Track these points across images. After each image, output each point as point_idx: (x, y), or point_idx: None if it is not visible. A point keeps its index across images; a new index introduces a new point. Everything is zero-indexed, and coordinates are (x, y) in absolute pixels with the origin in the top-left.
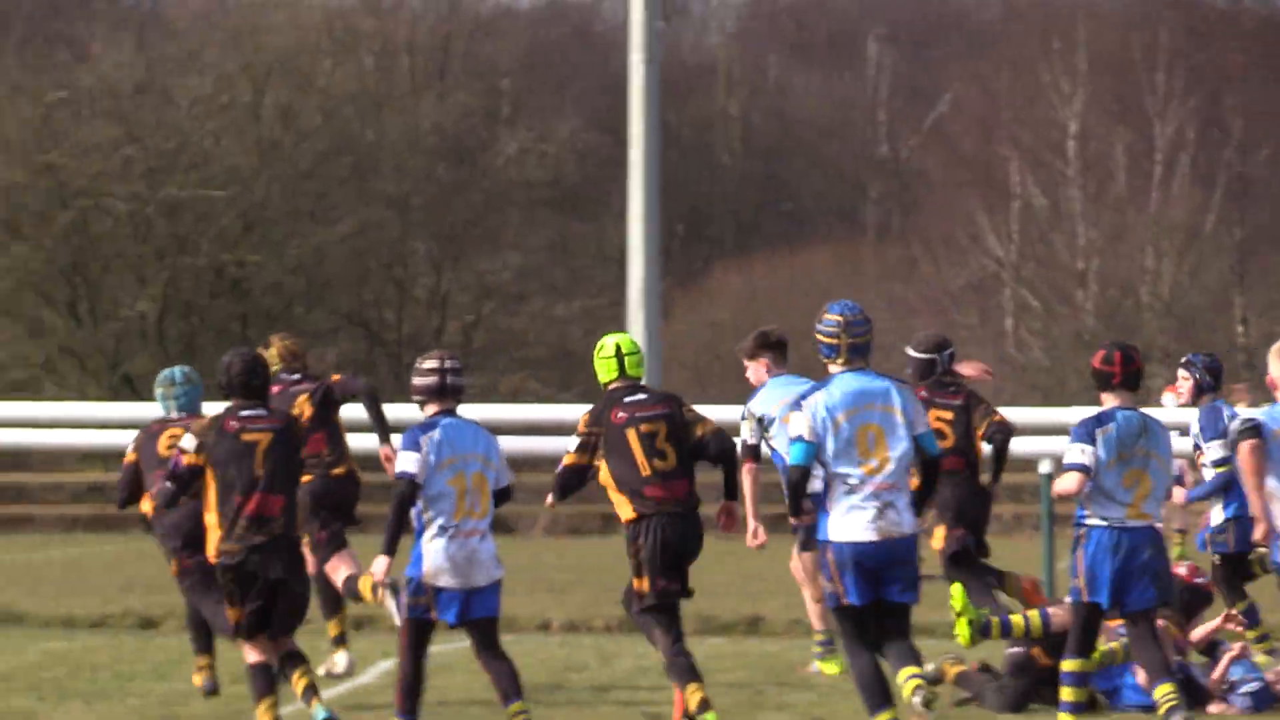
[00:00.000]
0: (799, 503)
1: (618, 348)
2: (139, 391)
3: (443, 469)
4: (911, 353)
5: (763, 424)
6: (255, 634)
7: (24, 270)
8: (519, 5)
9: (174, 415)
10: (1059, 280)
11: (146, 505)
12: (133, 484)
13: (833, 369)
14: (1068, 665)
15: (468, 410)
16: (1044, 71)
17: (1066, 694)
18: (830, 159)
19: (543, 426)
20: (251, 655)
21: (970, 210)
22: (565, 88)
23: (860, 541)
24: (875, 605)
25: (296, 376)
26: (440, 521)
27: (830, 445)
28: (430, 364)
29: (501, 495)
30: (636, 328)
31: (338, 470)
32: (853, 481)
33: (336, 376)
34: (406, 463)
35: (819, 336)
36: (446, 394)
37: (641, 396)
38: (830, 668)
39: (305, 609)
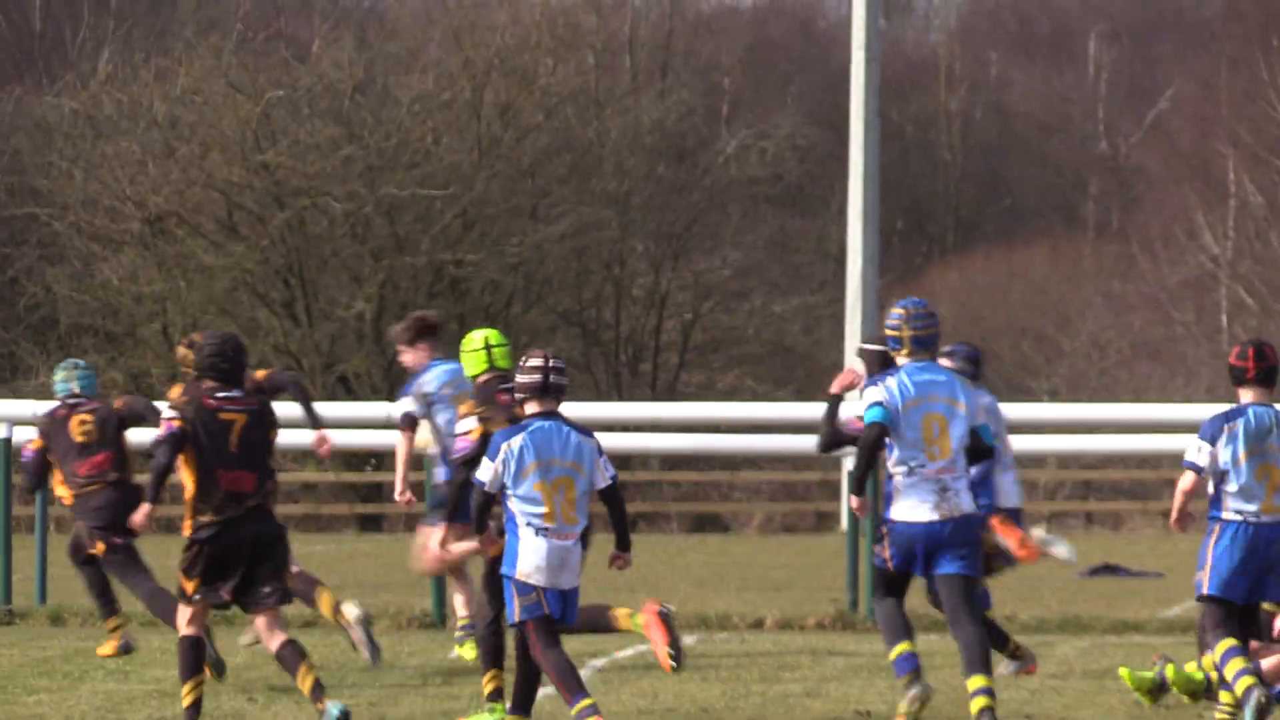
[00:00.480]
0: (869, 463)
1: (486, 340)
2: (355, 392)
3: (528, 474)
4: (870, 348)
5: (429, 400)
6: (208, 606)
7: (240, 270)
8: (741, 3)
9: (75, 393)
10: (1275, 278)
11: (63, 490)
12: (41, 469)
13: (899, 360)
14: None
15: (688, 409)
16: (1263, 69)
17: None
18: (1050, 156)
19: (760, 424)
20: (187, 629)
21: (1188, 207)
22: (786, 84)
23: (923, 522)
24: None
25: None
26: (535, 524)
27: (900, 428)
28: (534, 362)
29: (608, 495)
30: (855, 324)
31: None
32: (915, 465)
33: (262, 373)
34: (483, 471)
35: (886, 330)
36: (548, 393)
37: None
38: (468, 652)
39: (284, 583)
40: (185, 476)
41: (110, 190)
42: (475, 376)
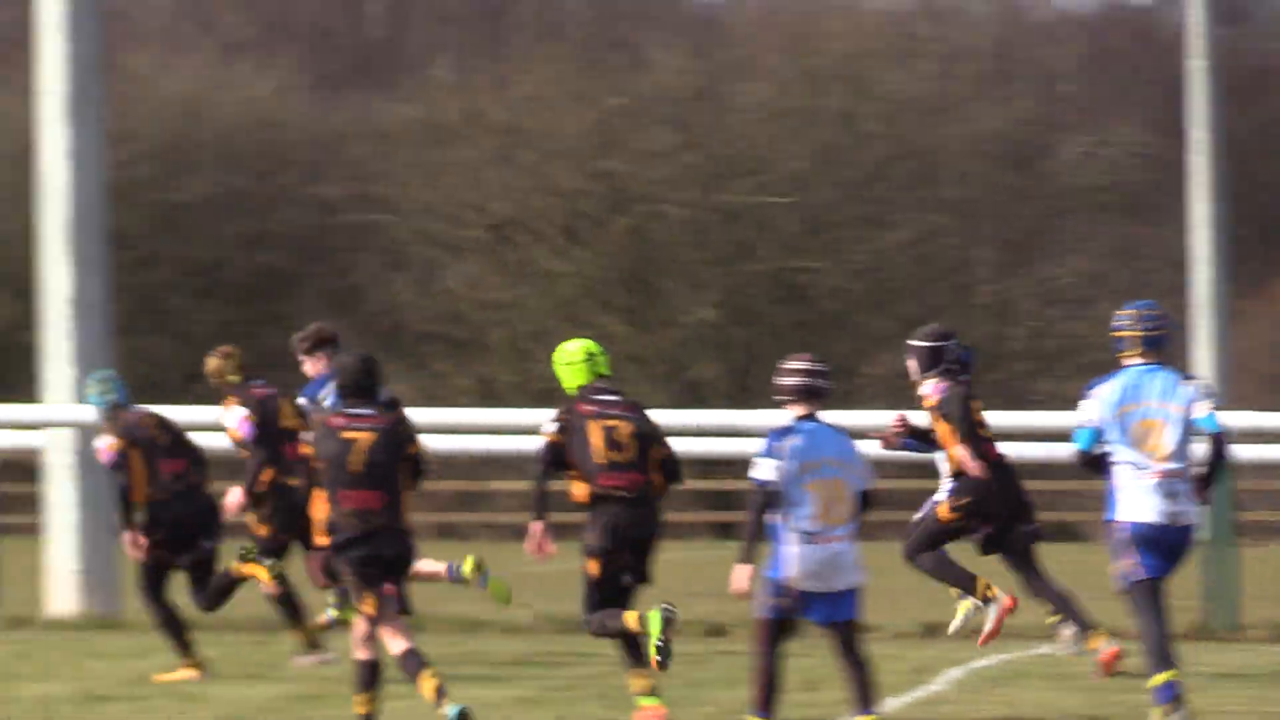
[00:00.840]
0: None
1: (587, 352)
2: (705, 399)
3: (802, 474)
4: (918, 343)
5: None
6: (393, 618)
7: (583, 276)
8: (1079, 9)
9: (119, 404)
10: None
11: (140, 491)
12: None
13: (1126, 362)
14: None
15: (1038, 418)
16: None
17: None
18: None
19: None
20: (361, 653)
21: None
22: (1126, 91)
23: (1150, 523)
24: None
25: (262, 381)
26: (802, 526)
27: (1116, 434)
28: (797, 365)
29: (864, 499)
30: (1202, 334)
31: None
32: (1140, 468)
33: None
34: (765, 469)
35: (1113, 331)
36: (812, 396)
37: (612, 397)
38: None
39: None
40: (315, 499)
41: (451, 197)
42: (580, 386)
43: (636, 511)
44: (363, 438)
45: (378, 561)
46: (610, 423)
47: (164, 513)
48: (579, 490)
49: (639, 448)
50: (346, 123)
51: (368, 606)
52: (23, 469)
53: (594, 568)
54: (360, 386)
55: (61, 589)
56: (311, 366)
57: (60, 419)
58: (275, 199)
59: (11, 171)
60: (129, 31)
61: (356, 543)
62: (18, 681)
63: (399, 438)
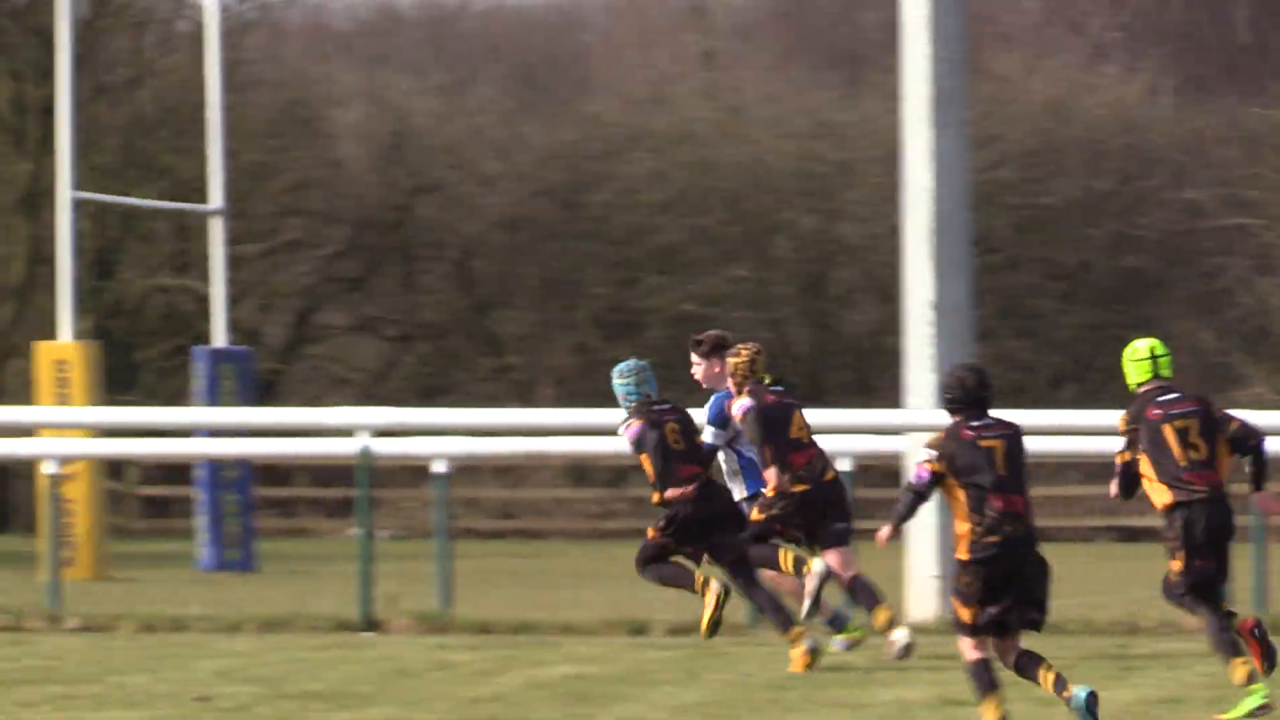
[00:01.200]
0: None
1: (1151, 350)
2: None
3: None
4: None
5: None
6: (989, 633)
7: None
8: None
9: (650, 396)
10: None
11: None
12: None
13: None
14: None
15: None
16: None
17: None
18: None
19: None
20: (972, 653)
21: None
22: None
23: None
24: None
25: (781, 387)
26: None
27: None
28: None
29: None
30: None
31: (829, 475)
32: None
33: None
34: None
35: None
36: None
37: (1174, 395)
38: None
39: (1045, 606)
40: (957, 502)
41: None
42: (1140, 384)
43: (1216, 510)
44: (999, 445)
45: (1010, 572)
46: (1181, 423)
47: (681, 513)
48: (1160, 495)
49: (1210, 444)
50: (1212, 126)
51: (969, 615)
52: (883, 474)
53: (1176, 567)
54: (978, 398)
55: (921, 594)
56: (703, 371)
57: (921, 424)
58: (1140, 202)
59: (878, 174)
60: (997, 34)
61: (1003, 551)
62: (875, 687)
63: (1022, 444)
